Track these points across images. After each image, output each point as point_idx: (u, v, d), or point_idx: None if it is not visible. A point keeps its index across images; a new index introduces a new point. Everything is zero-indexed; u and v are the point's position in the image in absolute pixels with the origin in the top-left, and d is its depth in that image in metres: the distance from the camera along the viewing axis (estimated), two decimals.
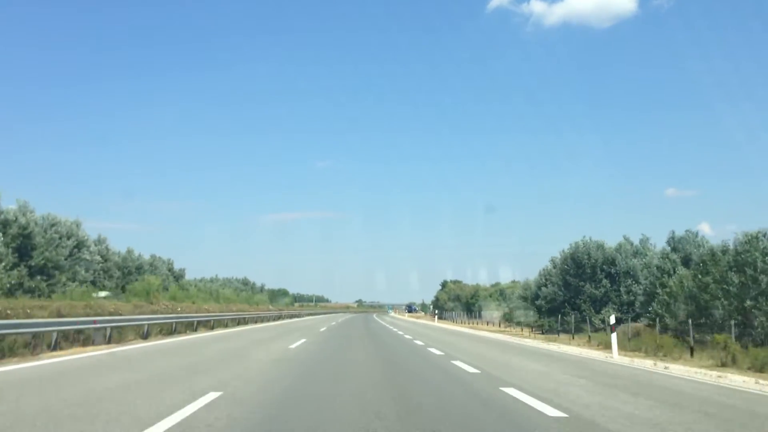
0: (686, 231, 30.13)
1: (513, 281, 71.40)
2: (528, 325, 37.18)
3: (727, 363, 13.80)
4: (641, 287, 29.24)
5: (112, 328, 16.54)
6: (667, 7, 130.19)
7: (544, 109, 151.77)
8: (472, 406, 6.99)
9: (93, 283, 30.82)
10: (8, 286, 22.56)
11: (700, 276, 19.89)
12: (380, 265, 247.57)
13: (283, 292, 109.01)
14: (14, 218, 25.76)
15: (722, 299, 18.19)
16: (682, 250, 29.04)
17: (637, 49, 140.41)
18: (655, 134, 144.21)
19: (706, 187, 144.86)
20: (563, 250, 35.91)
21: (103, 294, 28.58)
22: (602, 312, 30.51)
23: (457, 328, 44.07)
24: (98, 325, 15.76)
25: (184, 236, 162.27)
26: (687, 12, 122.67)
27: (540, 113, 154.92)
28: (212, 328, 26.77)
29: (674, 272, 24.49)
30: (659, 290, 23.00)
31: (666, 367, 13.25)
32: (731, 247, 20.35)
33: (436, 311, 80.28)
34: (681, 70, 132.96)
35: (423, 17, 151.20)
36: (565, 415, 6.45)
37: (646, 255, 32.05)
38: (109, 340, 16.12)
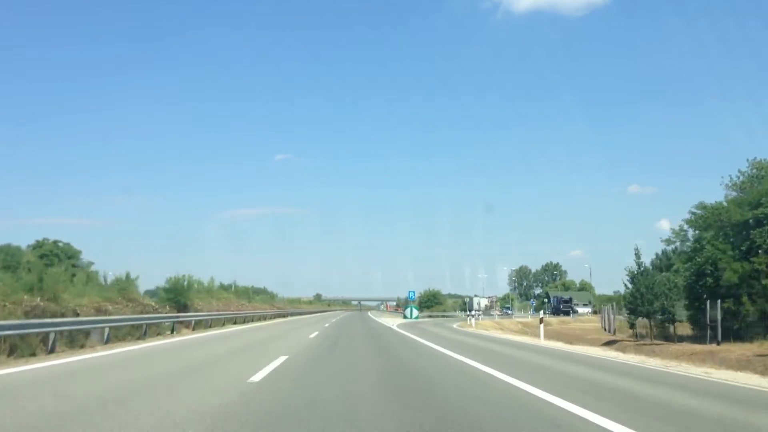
0: None
1: None
2: None
3: None
4: None
5: None
6: None
7: (516, 102, 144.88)
8: None
9: None
10: None
11: None
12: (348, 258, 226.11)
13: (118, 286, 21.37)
14: None
15: None
16: None
17: (611, 39, 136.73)
18: (620, 129, 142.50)
19: (666, 185, 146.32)
20: None
21: None
22: None
23: None
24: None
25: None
26: (680, 5, 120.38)
27: (511, 105, 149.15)
28: None
29: None
30: None
31: None
32: None
33: None
34: (654, 63, 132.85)
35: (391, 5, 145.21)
36: None
37: None
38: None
